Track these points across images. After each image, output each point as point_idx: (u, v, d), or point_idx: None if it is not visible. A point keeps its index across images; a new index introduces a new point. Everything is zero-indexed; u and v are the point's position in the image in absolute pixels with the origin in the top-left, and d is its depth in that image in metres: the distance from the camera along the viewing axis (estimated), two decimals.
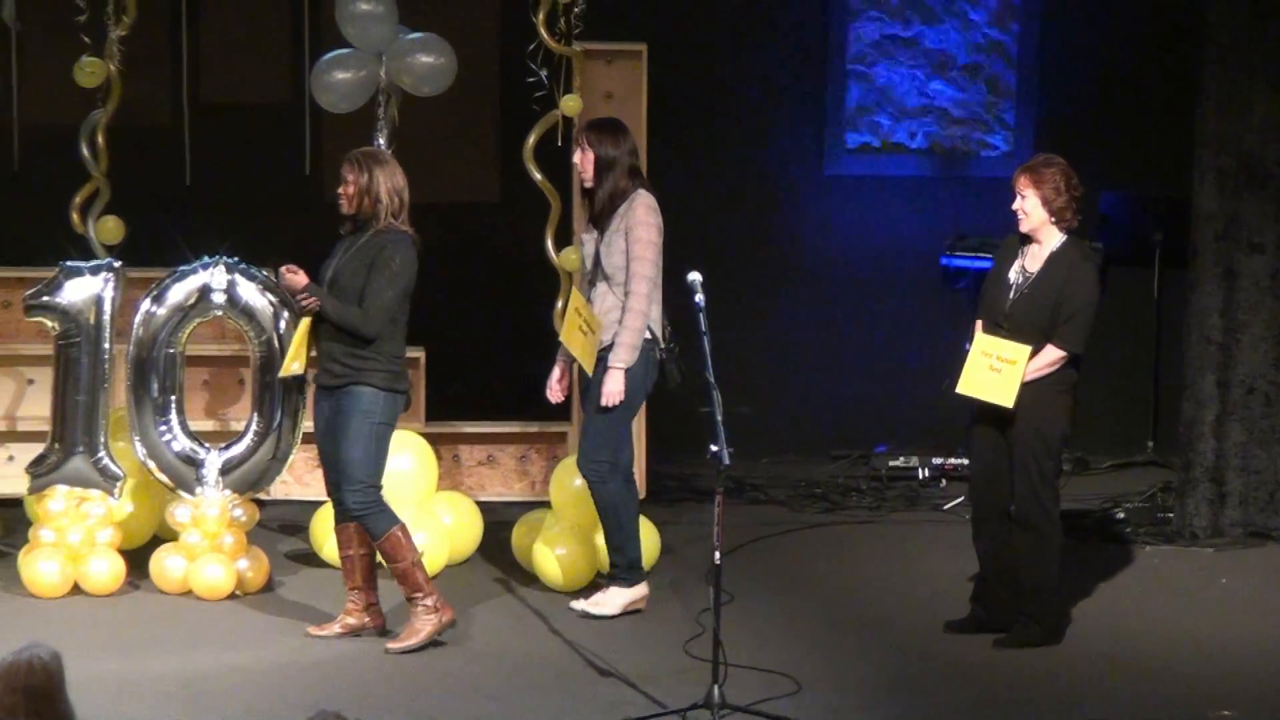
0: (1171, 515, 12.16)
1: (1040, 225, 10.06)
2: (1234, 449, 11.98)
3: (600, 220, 10.35)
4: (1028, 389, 9.95)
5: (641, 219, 10.28)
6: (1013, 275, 10.11)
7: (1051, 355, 9.99)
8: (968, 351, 10.16)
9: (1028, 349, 9.93)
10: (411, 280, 9.94)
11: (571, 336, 10.37)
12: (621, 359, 10.22)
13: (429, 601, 9.94)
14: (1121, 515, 12.31)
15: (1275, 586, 11.26)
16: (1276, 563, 11.68)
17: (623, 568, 10.53)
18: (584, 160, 10.37)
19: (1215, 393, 11.97)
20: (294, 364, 10.16)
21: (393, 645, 9.94)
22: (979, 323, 10.18)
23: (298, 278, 9.85)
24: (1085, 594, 10.99)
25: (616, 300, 10.28)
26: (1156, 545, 11.90)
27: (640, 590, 10.55)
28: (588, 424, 10.50)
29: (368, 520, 9.94)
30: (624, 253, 10.27)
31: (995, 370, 10.01)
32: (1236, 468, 11.99)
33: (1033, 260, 10.09)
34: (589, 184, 10.41)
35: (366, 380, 9.84)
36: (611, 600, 10.48)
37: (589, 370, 10.31)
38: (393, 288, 9.84)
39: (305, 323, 9.99)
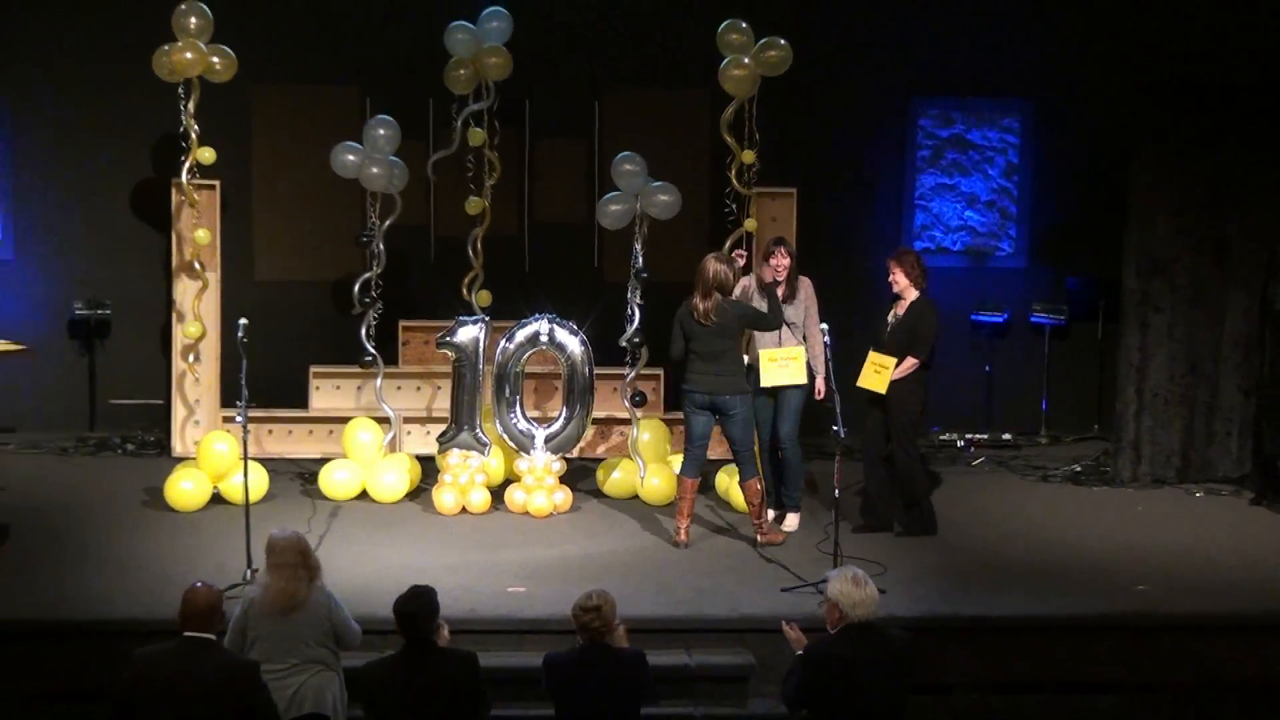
0: (1108, 469, 12.07)
1: (904, 289, 10.11)
2: (1146, 431, 11.92)
3: (787, 294, 10.22)
4: (894, 385, 9.98)
5: (814, 295, 10.32)
6: (890, 318, 10.18)
7: (909, 362, 9.99)
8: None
9: (894, 359, 9.99)
10: (677, 331, 9.85)
11: (774, 376, 10.13)
12: (825, 373, 10.06)
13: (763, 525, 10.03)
14: (1079, 469, 12.22)
15: (1170, 511, 11.19)
16: (1171, 498, 11.58)
17: (797, 501, 10.45)
18: (782, 260, 10.18)
19: (1135, 397, 11.90)
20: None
21: (763, 540, 9.96)
22: (872, 347, 10.13)
23: None
24: (1056, 516, 10.85)
25: (797, 341, 10.21)
26: (1099, 487, 11.84)
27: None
28: (791, 414, 10.22)
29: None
30: (804, 313, 10.23)
31: (878, 372, 9.98)
32: (1147, 441, 11.92)
33: (901, 309, 10.15)
34: (782, 275, 10.15)
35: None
36: (794, 522, 10.41)
37: (804, 381, 10.14)
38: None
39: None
